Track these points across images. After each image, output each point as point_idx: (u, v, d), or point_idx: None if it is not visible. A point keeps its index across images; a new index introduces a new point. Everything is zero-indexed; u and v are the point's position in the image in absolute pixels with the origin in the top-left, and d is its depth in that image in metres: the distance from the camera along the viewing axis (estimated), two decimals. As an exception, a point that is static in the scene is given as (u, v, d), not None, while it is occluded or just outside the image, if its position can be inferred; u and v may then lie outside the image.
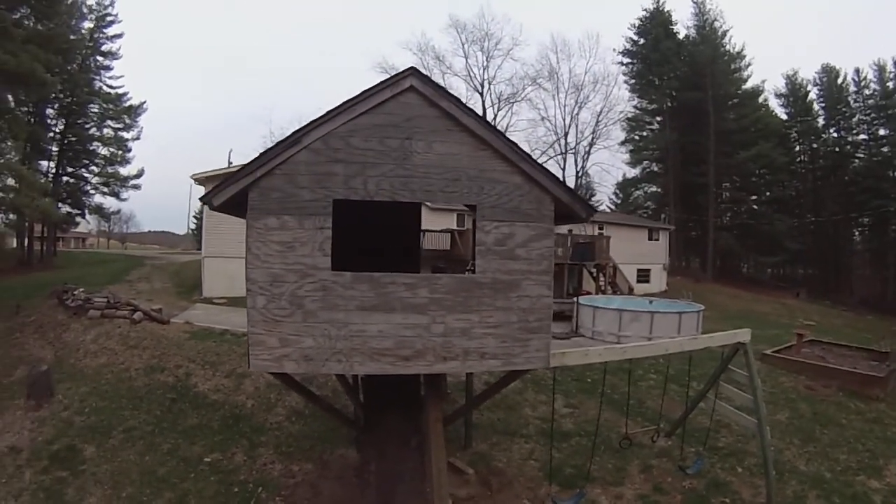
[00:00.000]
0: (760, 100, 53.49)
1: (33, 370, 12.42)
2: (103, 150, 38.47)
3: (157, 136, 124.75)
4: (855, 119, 50.99)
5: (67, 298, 17.86)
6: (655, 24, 52.86)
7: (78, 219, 41.42)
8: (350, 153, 6.21)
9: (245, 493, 9.32)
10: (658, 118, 55.85)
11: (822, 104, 52.87)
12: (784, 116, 54.68)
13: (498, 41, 50.59)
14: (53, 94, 32.40)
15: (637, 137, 56.73)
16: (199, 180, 22.40)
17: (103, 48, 37.93)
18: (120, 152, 38.40)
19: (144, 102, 39.10)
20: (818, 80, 52.99)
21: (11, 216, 29.96)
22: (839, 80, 51.60)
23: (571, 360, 7.71)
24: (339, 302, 6.20)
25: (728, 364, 9.50)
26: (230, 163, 31.68)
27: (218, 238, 21.90)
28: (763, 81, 53.68)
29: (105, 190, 38.62)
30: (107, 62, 38.38)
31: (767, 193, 54.26)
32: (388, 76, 6.42)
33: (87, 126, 38.06)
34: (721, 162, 48.84)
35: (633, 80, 55.53)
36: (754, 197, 54.55)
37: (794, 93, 53.93)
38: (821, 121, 53.17)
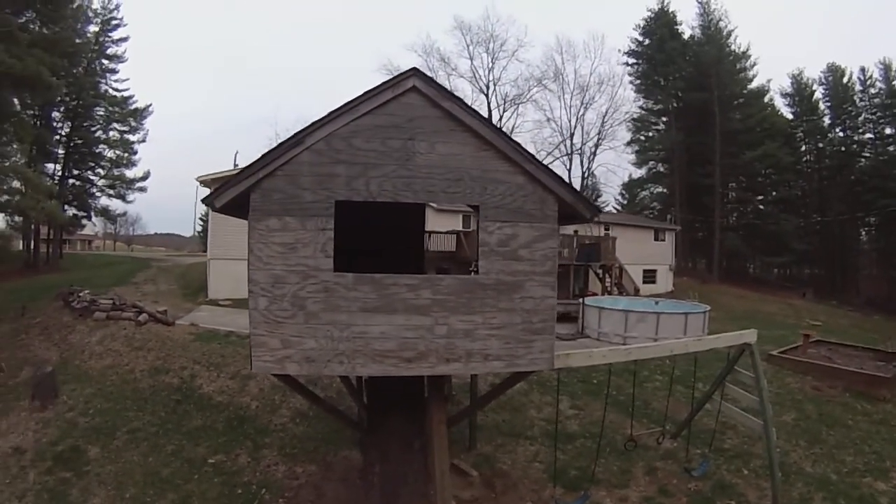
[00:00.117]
0: (766, 99, 53.37)
1: (38, 371, 12.46)
2: (109, 153, 38.77)
3: (164, 139, 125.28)
4: (861, 118, 50.80)
5: (73, 300, 17.93)
6: (660, 25, 52.84)
7: (84, 221, 41.69)
8: (352, 154, 6.18)
9: (248, 494, 9.31)
10: (664, 118, 55.76)
11: (828, 103, 52.69)
12: (790, 116, 54.55)
13: (503, 42, 50.64)
14: (59, 98, 32.51)
15: (643, 138, 56.75)
16: (205, 182, 22.43)
17: (109, 51, 38.20)
18: (126, 155, 38.67)
19: (150, 105, 39.39)
20: (824, 80, 52.90)
21: (17, 219, 30.14)
22: (845, 79, 51.48)
23: (576, 362, 7.65)
24: (341, 303, 6.17)
25: (734, 365, 9.44)
26: (236, 164, 31.70)
27: (223, 240, 21.99)
28: (768, 81, 53.64)
29: (111, 192, 38.89)
30: (112, 65, 38.70)
31: (773, 193, 54.06)
32: (391, 77, 6.39)
33: (93, 129, 38.30)
34: (727, 162, 48.70)
35: (638, 81, 55.63)
36: (760, 197, 54.26)
37: (800, 92, 53.75)
38: (827, 120, 53.02)
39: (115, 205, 40.57)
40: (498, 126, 8.75)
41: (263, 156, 6.05)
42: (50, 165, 36.16)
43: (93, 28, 36.75)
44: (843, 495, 9.68)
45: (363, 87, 6.23)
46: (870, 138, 50.31)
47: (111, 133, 38.80)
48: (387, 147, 6.24)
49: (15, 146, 26.56)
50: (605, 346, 11.77)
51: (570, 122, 52.79)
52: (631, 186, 60.15)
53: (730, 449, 11.14)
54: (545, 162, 6.87)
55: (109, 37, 37.83)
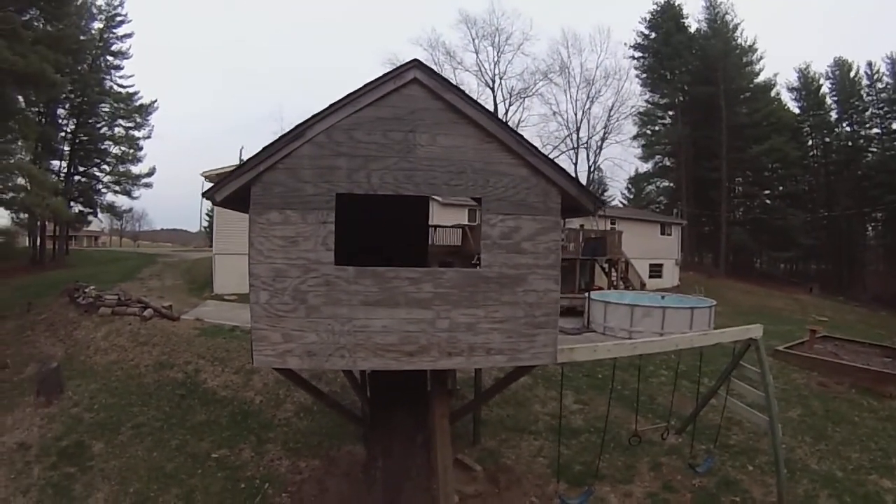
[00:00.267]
0: (773, 94, 52.94)
1: (43, 367, 12.50)
2: (115, 149, 38.65)
3: (172, 135, 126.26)
4: (868, 113, 50.37)
5: (79, 296, 17.97)
6: (666, 18, 52.56)
7: (90, 217, 41.72)
8: (353, 146, 6.13)
9: (252, 489, 9.31)
10: (670, 112, 55.50)
11: (835, 98, 52.25)
12: (796, 110, 54.14)
13: (508, 36, 50.56)
14: (64, 95, 32.54)
15: (649, 132, 56.50)
16: (210, 178, 22.43)
17: (113, 48, 38.08)
18: (131, 151, 38.57)
19: (155, 101, 39.30)
20: (830, 74, 52.46)
21: (23, 215, 30.21)
22: (852, 74, 51.06)
23: (580, 356, 7.59)
24: (342, 297, 6.14)
25: (739, 360, 9.36)
26: (241, 160, 31.74)
27: (229, 235, 22.01)
28: (775, 75, 53.23)
29: (117, 188, 38.84)
30: (117, 62, 38.56)
31: (780, 188, 53.71)
32: (392, 68, 6.33)
33: (99, 125, 38.27)
34: (733, 156, 48.41)
35: (644, 75, 55.37)
36: (767, 191, 54.04)
37: (807, 86, 53.30)
38: (833, 115, 52.57)
39: (121, 201, 40.59)
40: (503, 119, 8.66)
41: (264, 149, 6.01)
42: (56, 162, 36.16)
43: (97, 25, 36.74)
44: (848, 493, 9.60)
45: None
46: (877, 133, 49.88)
47: (116, 129, 38.76)
48: (388, 139, 6.19)
49: (19, 143, 26.59)
50: (610, 341, 11.71)
51: (576, 115, 52.70)
52: (637, 180, 59.97)
53: (735, 445, 11.07)
54: (551, 156, 6.81)
55: (114, 33, 37.77)
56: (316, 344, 6.12)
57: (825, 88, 53.02)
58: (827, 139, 53.13)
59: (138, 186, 38.79)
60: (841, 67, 51.54)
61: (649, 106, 56.18)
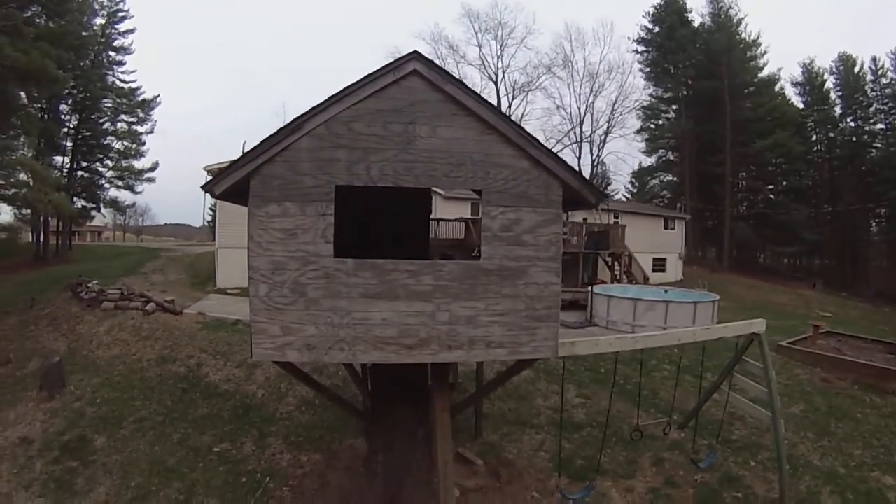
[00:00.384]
0: (777, 88, 52.53)
1: (46, 362, 12.53)
2: (117, 145, 38.86)
3: (175, 131, 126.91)
4: (872, 108, 49.93)
5: (81, 291, 18.04)
6: (670, 12, 52.22)
7: (93, 212, 41.87)
8: (353, 138, 6.08)
9: (253, 482, 9.32)
10: (674, 106, 55.27)
11: (839, 93, 51.82)
12: (801, 105, 53.71)
13: (511, 30, 50.17)
14: (67, 90, 32.60)
15: (653, 126, 56.27)
16: (213, 172, 22.41)
17: (115, 44, 38.27)
18: (134, 146, 38.73)
19: (157, 96, 39.44)
20: (835, 69, 51.98)
21: (25, 211, 30.27)
22: (856, 69, 50.58)
23: (581, 350, 7.54)
24: (341, 289, 6.10)
25: (742, 355, 9.31)
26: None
27: (232, 229, 21.94)
28: (779, 70, 52.75)
29: (120, 183, 39.04)
30: (119, 57, 38.74)
31: (784, 183, 53.41)
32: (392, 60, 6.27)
33: (101, 121, 38.39)
34: (737, 151, 48.22)
35: (648, 69, 55.03)
36: (771, 186, 53.63)
37: (811, 81, 52.92)
38: (838, 109, 52.12)
39: (124, 196, 40.77)
40: (505, 112, 8.60)
41: (262, 141, 5.97)
42: (59, 158, 36.39)
43: (99, 21, 36.81)
44: (850, 489, 9.57)
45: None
46: (881, 128, 49.49)
47: (119, 124, 38.90)
48: (388, 131, 6.14)
49: (22, 139, 26.63)
50: (612, 335, 11.67)
51: (579, 109, 52.33)
52: (641, 175, 59.82)
53: (737, 440, 11.04)
54: (555, 150, 6.76)
55: (116, 29, 37.88)
56: (315, 337, 6.09)
57: (829, 83, 52.64)
58: (831, 134, 52.77)
59: (141, 181, 38.98)
60: (845, 62, 51.11)
61: (653, 100, 55.93)
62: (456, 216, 25.00)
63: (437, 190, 25.10)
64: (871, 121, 50.29)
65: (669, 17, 51.96)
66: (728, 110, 47.26)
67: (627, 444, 10.18)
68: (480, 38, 50.37)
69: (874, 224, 54.10)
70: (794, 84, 54.05)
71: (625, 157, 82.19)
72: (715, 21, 51.54)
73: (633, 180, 61.05)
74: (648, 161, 58.56)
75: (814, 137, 53.71)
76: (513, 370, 8.26)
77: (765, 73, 52.07)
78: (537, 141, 6.49)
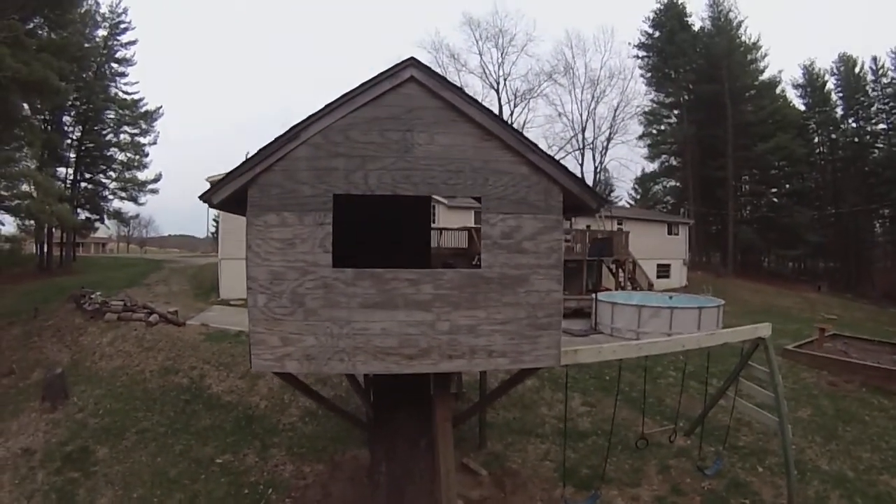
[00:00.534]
0: (778, 91, 52.50)
1: (49, 373, 12.51)
2: (120, 156, 38.82)
3: (179, 142, 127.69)
4: (874, 108, 49.82)
5: (85, 302, 18.04)
6: (670, 17, 52.27)
7: (97, 224, 41.89)
8: (350, 147, 6.05)
9: (255, 494, 9.27)
10: (675, 111, 55.16)
11: (840, 94, 51.75)
12: (802, 107, 53.68)
13: (512, 37, 50.41)
14: (69, 102, 32.69)
15: (655, 131, 56.29)
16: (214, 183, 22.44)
17: (118, 55, 38.28)
18: (137, 157, 38.73)
19: (160, 107, 39.49)
20: (835, 70, 51.94)
21: (28, 222, 30.31)
22: (857, 70, 50.53)
23: (584, 358, 7.45)
24: (340, 299, 6.05)
25: (748, 360, 9.21)
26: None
27: (235, 240, 21.94)
28: (780, 72, 52.83)
29: (123, 195, 38.98)
30: (121, 69, 38.75)
31: (787, 186, 53.33)
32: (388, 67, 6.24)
33: (104, 132, 38.44)
34: (740, 155, 48.07)
35: (649, 74, 55.16)
36: (774, 189, 53.54)
37: (812, 83, 52.89)
38: (839, 111, 52.01)
39: (128, 207, 40.79)
40: (507, 120, 8.55)
41: (260, 150, 5.95)
42: (62, 169, 36.37)
43: (101, 32, 36.91)
44: (859, 493, 9.46)
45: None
46: (883, 129, 49.38)
47: (122, 136, 38.90)
48: (385, 139, 6.11)
49: (25, 150, 26.71)
50: (616, 342, 11.57)
51: (581, 116, 52.40)
52: (644, 181, 59.65)
53: (744, 446, 10.92)
54: (557, 157, 6.72)
55: (118, 40, 37.94)
56: (315, 347, 6.04)
57: (830, 84, 52.61)
58: (833, 136, 52.62)
59: (144, 192, 38.93)
60: (846, 63, 51.06)
61: (654, 105, 55.97)
62: (459, 225, 25.00)
63: (440, 199, 25.11)
64: (873, 121, 50.20)
65: (670, 22, 52.01)
66: (729, 114, 47.15)
67: (633, 452, 10.07)
68: (481, 45, 50.73)
69: (878, 225, 53.85)
70: (795, 86, 54.18)
71: (627, 163, 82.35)
72: (715, 25, 51.59)
73: (636, 186, 60.98)
74: (651, 167, 58.65)
75: (816, 139, 53.60)
76: (516, 379, 8.18)
77: (765, 75, 52.15)
78: (536, 146, 6.45)
